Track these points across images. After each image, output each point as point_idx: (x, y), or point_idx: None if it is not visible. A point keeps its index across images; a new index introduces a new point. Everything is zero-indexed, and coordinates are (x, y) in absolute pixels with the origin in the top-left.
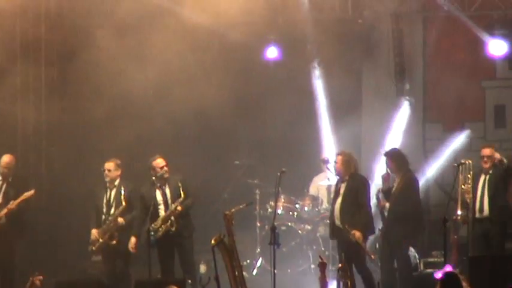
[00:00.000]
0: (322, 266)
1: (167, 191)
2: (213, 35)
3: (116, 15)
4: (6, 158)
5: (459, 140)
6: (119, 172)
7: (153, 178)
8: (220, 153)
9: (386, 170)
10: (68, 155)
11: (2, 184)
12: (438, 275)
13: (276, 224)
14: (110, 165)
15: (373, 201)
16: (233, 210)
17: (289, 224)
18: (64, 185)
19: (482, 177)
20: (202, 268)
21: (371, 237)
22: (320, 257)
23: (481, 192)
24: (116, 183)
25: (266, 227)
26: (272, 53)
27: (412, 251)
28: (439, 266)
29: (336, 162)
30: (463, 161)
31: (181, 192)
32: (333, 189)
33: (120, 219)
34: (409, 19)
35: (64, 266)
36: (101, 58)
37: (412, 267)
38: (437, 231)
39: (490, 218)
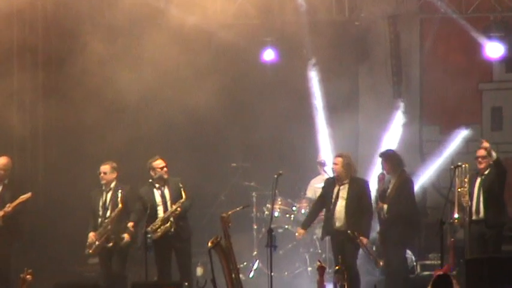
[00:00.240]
0: (321, 270)
1: (166, 192)
2: (209, 38)
3: (108, 19)
4: (3, 159)
5: (456, 142)
6: (114, 175)
7: (150, 180)
8: (216, 155)
9: (382, 170)
10: (64, 158)
11: None
12: (437, 273)
13: (272, 226)
14: (105, 167)
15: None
16: (230, 212)
17: (286, 226)
18: (60, 188)
19: (478, 179)
20: (199, 271)
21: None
22: (319, 260)
23: (476, 194)
24: (112, 185)
25: (263, 229)
26: (269, 55)
27: (409, 253)
28: (435, 268)
29: (335, 164)
30: (459, 164)
31: (183, 193)
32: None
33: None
34: (405, 21)
35: (61, 269)
36: (95, 62)
37: (409, 270)
38: (434, 233)
39: (485, 220)
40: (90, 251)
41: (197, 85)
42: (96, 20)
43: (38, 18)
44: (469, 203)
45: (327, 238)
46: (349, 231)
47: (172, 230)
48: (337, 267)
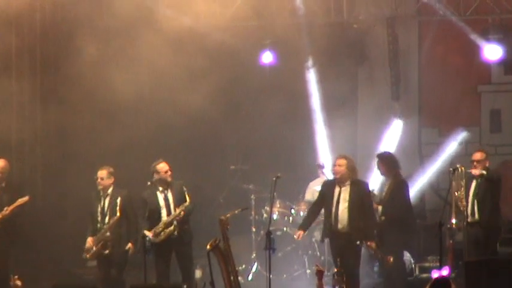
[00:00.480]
0: (320, 274)
1: (169, 195)
2: (206, 40)
3: (105, 22)
4: (0, 162)
5: (455, 144)
6: (111, 180)
7: (148, 183)
8: (214, 158)
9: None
10: (61, 161)
11: None
12: (435, 274)
13: (271, 229)
14: (102, 173)
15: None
16: (228, 215)
17: (285, 229)
18: (58, 190)
19: (474, 182)
20: (198, 273)
21: None
22: (317, 264)
23: (472, 196)
24: (109, 191)
25: (261, 232)
26: (267, 57)
27: (407, 255)
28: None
29: (339, 165)
30: (457, 166)
31: (187, 197)
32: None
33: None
34: (404, 23)
35: (60, 271)
36: (93, 65)
37: (408, 272)
38: (432, 235)
39: (480, 223)
40: (88, 256)
41: (195, 87)
42: (93, 23)
43: (35, 21)
44: (465, 205)
45: (326, 240)
46: (358, 242)
47: (176, 233)
48: (336, 270)
